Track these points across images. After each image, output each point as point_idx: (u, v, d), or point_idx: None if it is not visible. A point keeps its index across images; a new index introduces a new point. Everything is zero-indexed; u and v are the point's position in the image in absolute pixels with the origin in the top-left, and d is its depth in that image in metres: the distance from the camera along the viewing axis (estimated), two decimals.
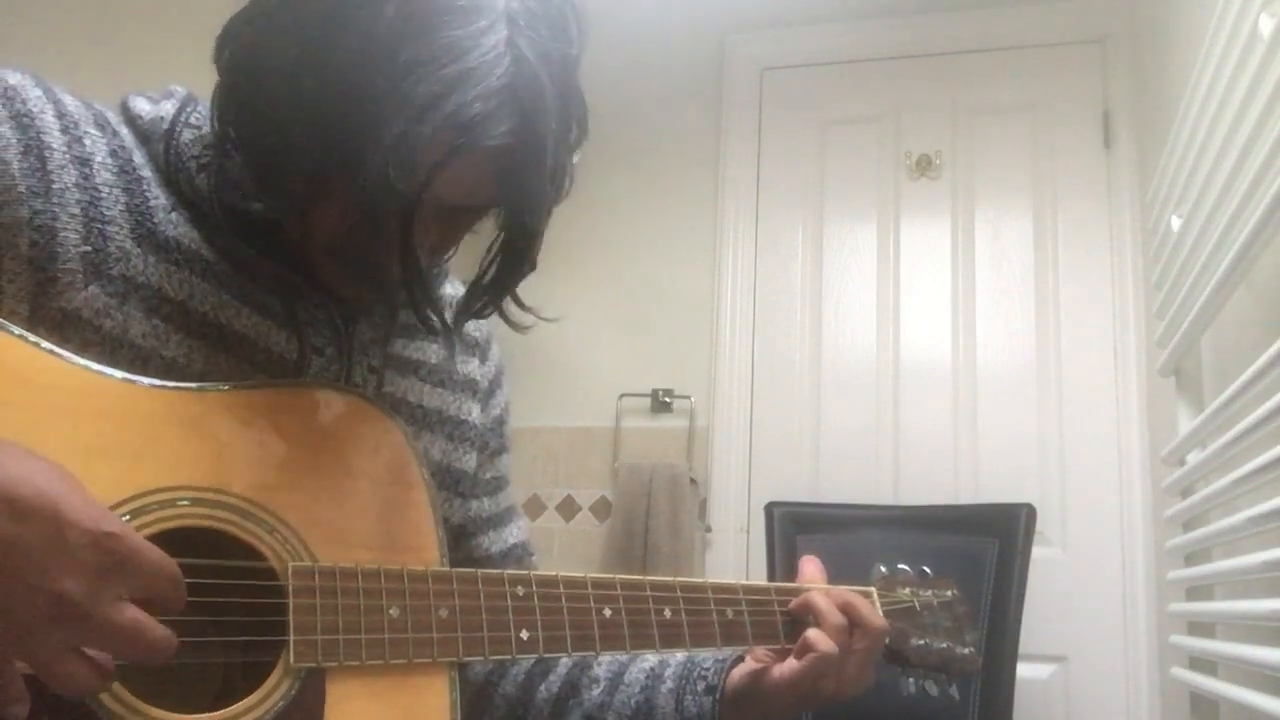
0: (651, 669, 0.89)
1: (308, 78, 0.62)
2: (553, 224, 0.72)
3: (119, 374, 0.61)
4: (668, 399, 2.57)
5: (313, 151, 0.63)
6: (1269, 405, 0.96)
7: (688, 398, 2.55)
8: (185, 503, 0.59)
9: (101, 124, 0.69)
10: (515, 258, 0.71)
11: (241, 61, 0.66)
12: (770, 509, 2.08)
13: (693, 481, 2.46)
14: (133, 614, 0.49)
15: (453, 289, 0.92)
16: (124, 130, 0.70)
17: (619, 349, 2.65)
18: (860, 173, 2.57)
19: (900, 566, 0.97)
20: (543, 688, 0.91)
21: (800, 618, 0.84)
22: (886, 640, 0.87)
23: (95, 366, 0.60)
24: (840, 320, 2.51)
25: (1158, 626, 2.07)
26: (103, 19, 1.71)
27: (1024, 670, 1.84)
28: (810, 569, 0.89)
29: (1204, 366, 1.47)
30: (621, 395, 2.59)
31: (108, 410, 0.59)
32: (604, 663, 0.90)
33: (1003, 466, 2.29)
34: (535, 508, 2.62)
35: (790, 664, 0.81)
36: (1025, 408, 2.31)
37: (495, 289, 0.72)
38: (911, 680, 0.92)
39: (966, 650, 0.93)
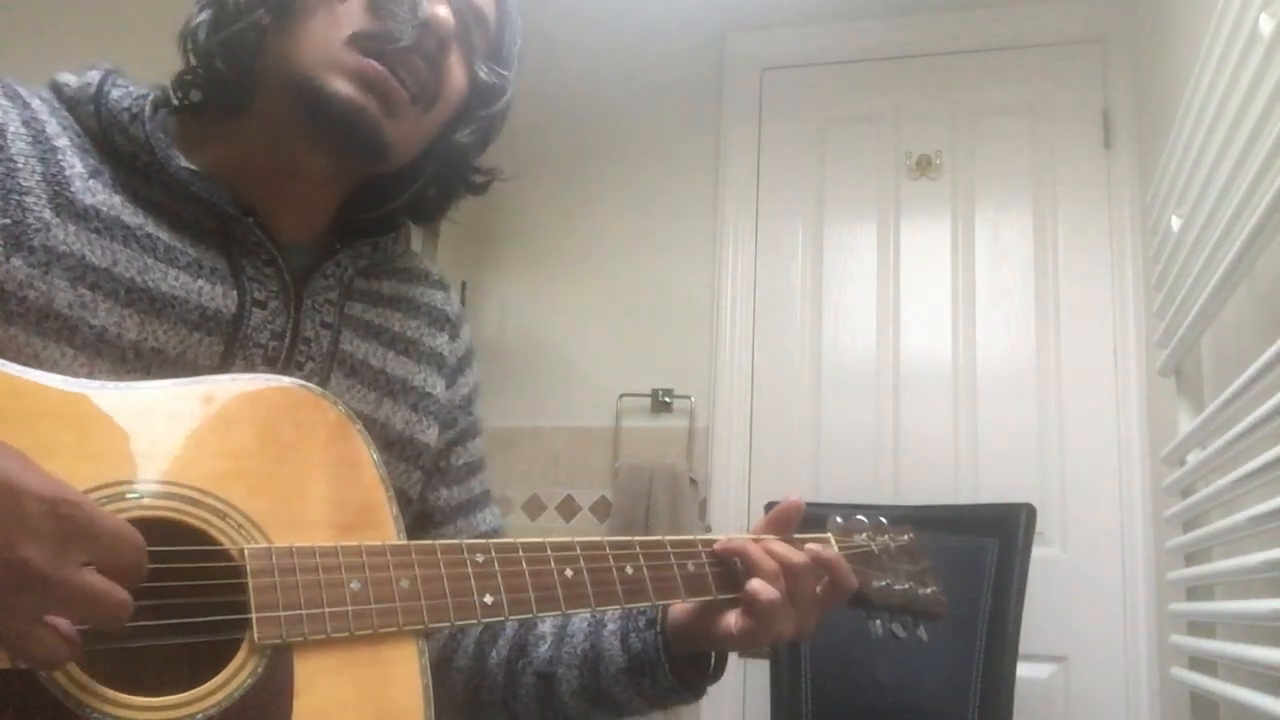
0: (593, 616, 0.89)
1: None
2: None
3: (57, 377, 0.60)
4: (668, 399, 2.57)
5: None
6: (1269, 405, 0.96)
7: (688, 398, 2.55)
8: (134, 495, 0.58)
9: (11, 95, 0.69)
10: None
11: None
12: (770, 509, 2.07)
13: (693, 481, 2.46)
14: (93, 578, 0.49)
15: (444, 294, 0.92)
16: (35, 102, 0.70)
17: (619, 349, 2.65)
18: (860, 173, 2.57)
19: (857, 516, 0.97)
20: (493, 654, 0.91)
21: (725, 560, 0.83)
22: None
23: (31, 373, 0.59)
24: (840, 320, 2.51)
25: (1158, 626, 2.07)
26: (81, 17, 1.71)
27: (1024, 670, 1.84)
28: (778, 520, 0.89)
29: (1204, 366, 1.47)
30: (621, 395, 2.59)
31: (46, 411, 0.58)
32: (547, 619, 0.90)
33: (1003, 466, 2.28)
34: (535, 508, 2.62)
35: (741, 618, 0.81)
36: (1025, 408, 2.31)
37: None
38: (878, 622, 0.92)
39: (929, 590, 0.93)
